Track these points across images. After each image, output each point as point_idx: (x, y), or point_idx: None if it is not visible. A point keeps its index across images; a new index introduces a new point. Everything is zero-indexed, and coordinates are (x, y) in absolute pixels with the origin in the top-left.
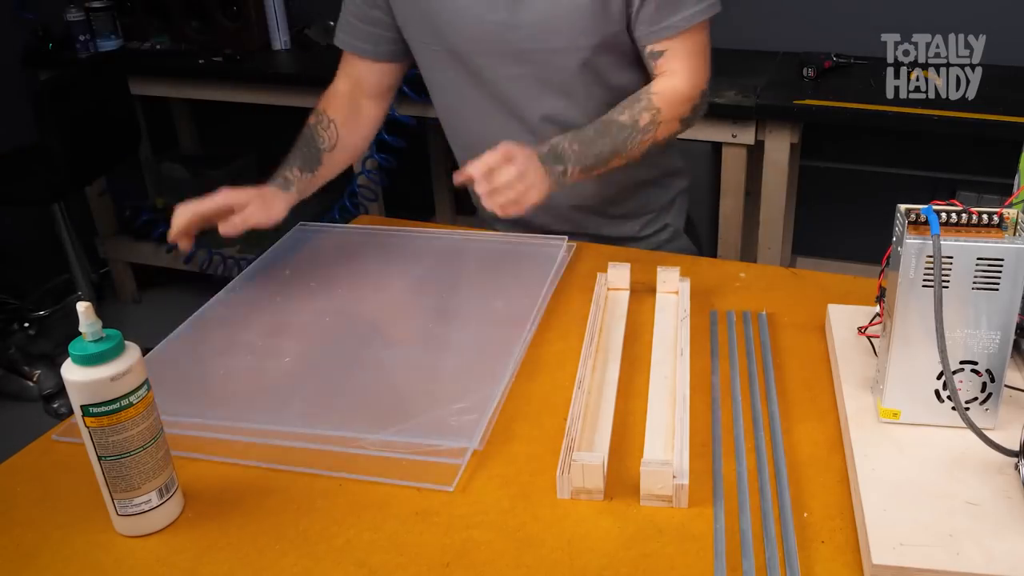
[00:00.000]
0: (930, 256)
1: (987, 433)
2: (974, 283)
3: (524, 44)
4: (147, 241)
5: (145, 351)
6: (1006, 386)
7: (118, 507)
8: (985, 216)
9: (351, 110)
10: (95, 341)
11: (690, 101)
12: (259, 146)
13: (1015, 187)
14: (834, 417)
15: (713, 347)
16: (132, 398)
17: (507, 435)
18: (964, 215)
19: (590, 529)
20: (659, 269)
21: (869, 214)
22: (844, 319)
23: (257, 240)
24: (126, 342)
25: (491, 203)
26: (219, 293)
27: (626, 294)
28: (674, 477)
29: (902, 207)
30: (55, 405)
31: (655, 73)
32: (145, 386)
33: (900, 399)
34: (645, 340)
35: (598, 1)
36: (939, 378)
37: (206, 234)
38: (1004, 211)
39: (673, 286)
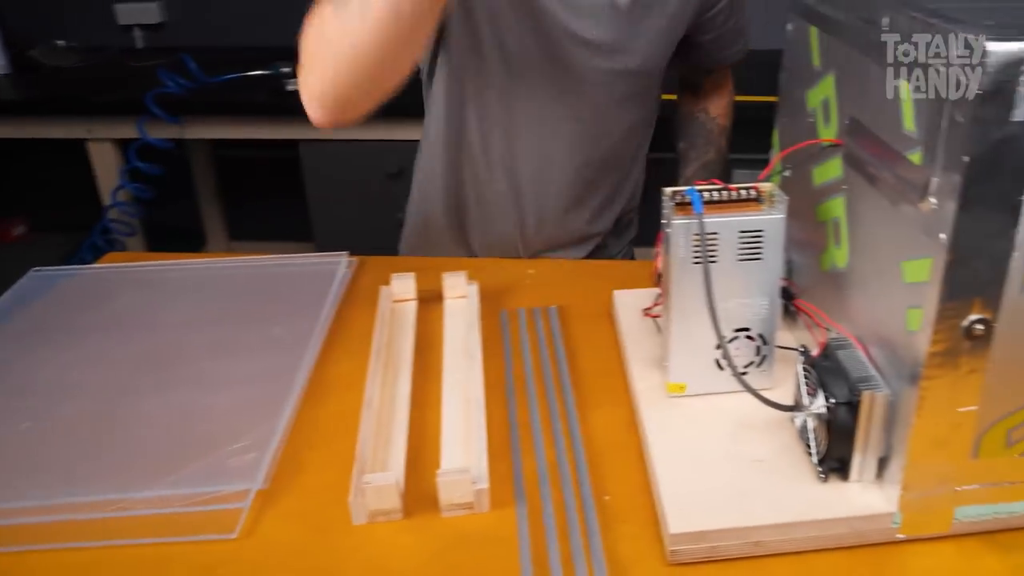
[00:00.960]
0: (696, 234)
1: (764, 393)
2: (739, 255)
3: (616, 63)
4: None
5: None
6: (778, 347)
7: None
8: (743, 191)
9: None
10: None
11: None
12: None
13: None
14: (628, 399)
15: (506, 347)
16: None
17: (295, 468)
18: (724, 192)
19: (391, 550)
20: (445, 275)
21: (652, 199)
22: (629, 303)
23: None
24: None
25: None
26: None
27: (413, 304)
28: (473, 483)
29: (667, 190)
30: None
31: (700, 87)
32: None
33: (684, 373)
34: (436, 349)
35: (674, 27)
36: (717, 348)
37: None
38: (759, 185)
39: (461, 291)
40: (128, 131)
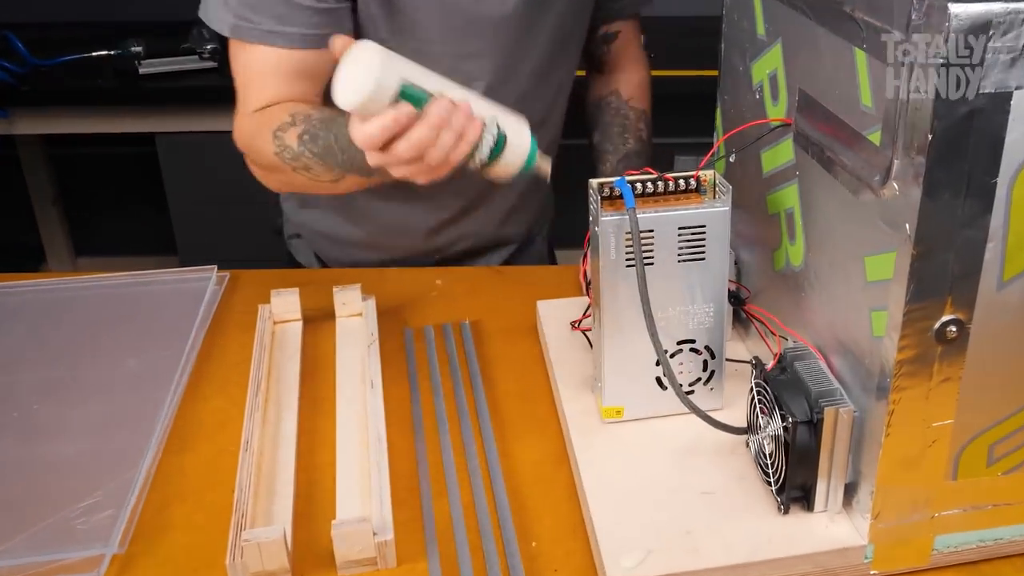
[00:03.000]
0: (629, 232)
1: (714, 414)
2: (679, 255)
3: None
4: None
5: None
6: (728, 360)
7: None
8: (682, 181)
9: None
10: None
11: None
12: None
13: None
14: (556, 426)
15: (411, 371)
16: None
17: (159, 525)
18: (660, 183)
19: None
20: (336, 290)
21: (578, 194)
22: (556, 315)
23: None
24: None
25: None
26: None
27: (298, 325)
28: (375, 534)
29: (594, 182)
30: None
31: (605, 63)
32: None
33: (621, 395)
34: (327, 377)
35: None
36: (658, 364)
37: None
38: (700, 173)
39: (355, 308)
40: None
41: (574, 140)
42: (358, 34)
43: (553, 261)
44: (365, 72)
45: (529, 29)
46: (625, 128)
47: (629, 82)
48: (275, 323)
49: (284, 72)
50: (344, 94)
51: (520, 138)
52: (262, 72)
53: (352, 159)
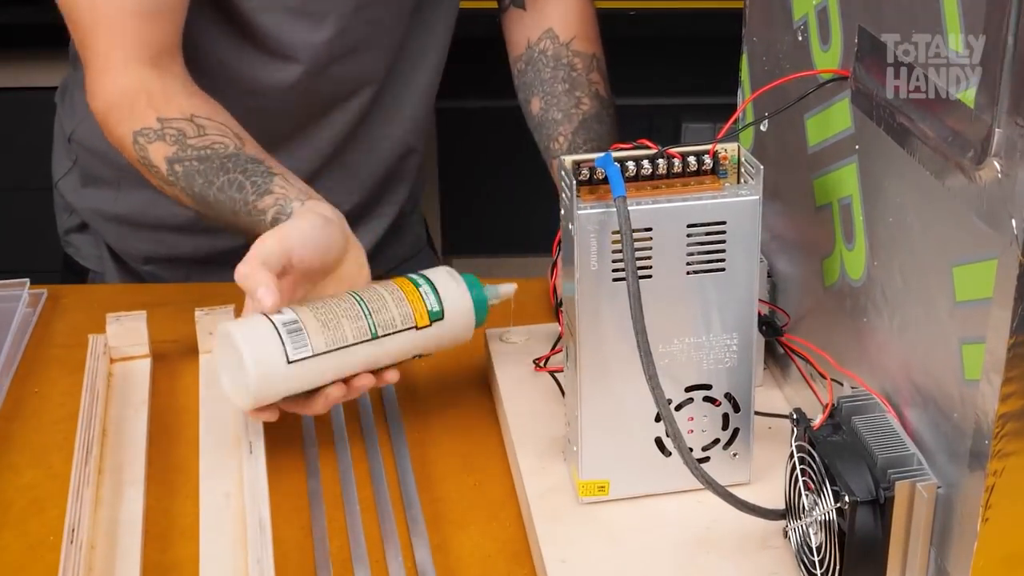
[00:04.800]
0: (616, 231)
1: (739, 490)
2: (689, 264)
3: None
4: None
5: None
6: (758, 414)
7: None
8: (692, 159)
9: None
10: None
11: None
12: None
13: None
14: (513, 508)
15: (306, 429)
16: None
17: None
18: (661, 161)
19: None
20: (199, 314)
21: (540, 179)
22: (513, 349)
23: None
24: None
25: None
26: None
27: (146, 364)
28: None
29: (567, 159)
30: None
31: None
32: None
33: (606, 464)
34: (187, 437)
35: None
36: (657, 420)
37: None
38: (719, 147)
39: None
40: None
41: (457, 102)
42: None
43: (431, 245)
44: (241, 377)
45: None
46: (574, 84)
47: (566, 16)
48: (113, 360)
49: (142, 8)
50: (225, 383)
51: (458, 301)
52: (120, 6)
53: (238, 226)
